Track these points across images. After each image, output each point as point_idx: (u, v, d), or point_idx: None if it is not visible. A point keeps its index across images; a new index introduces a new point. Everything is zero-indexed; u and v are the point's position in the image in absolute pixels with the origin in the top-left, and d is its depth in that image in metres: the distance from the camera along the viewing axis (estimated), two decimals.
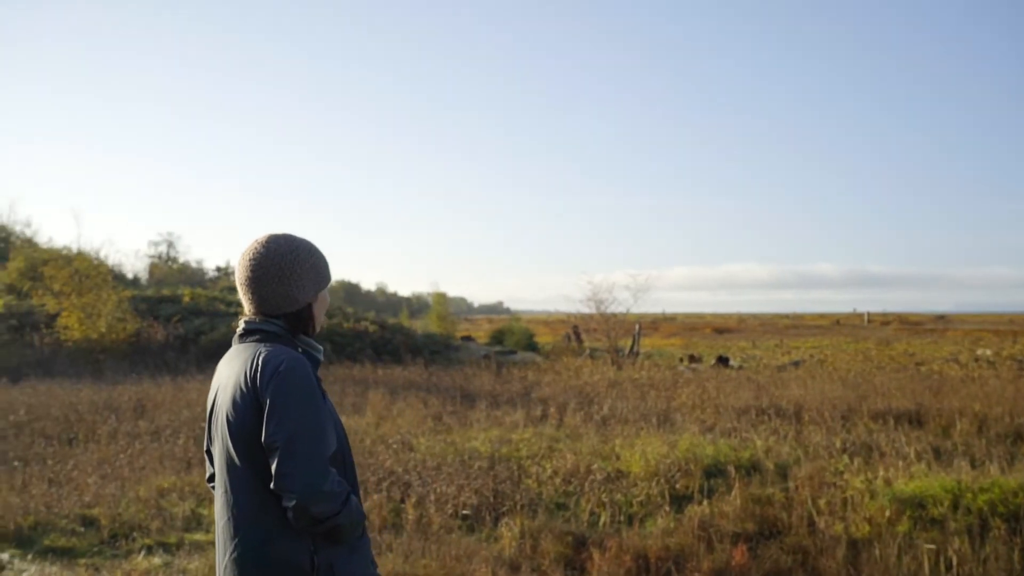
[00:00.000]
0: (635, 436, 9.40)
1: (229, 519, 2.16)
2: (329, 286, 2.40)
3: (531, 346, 28.78)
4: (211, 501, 6.98)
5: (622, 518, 6.44)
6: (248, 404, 2.12)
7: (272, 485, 2.07)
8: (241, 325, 2.31)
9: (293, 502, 2.05)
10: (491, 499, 6.83)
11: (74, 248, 29.65)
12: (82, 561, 5.63)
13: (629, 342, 25.58)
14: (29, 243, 37.75)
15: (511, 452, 8.71)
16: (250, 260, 2.27)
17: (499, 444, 9.11)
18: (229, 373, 2.21)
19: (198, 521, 6.54)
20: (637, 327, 26.82)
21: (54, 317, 20.53)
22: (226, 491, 2.18)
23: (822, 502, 6.38)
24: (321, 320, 2.40)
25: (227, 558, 2.14)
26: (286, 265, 2.27)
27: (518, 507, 6.57)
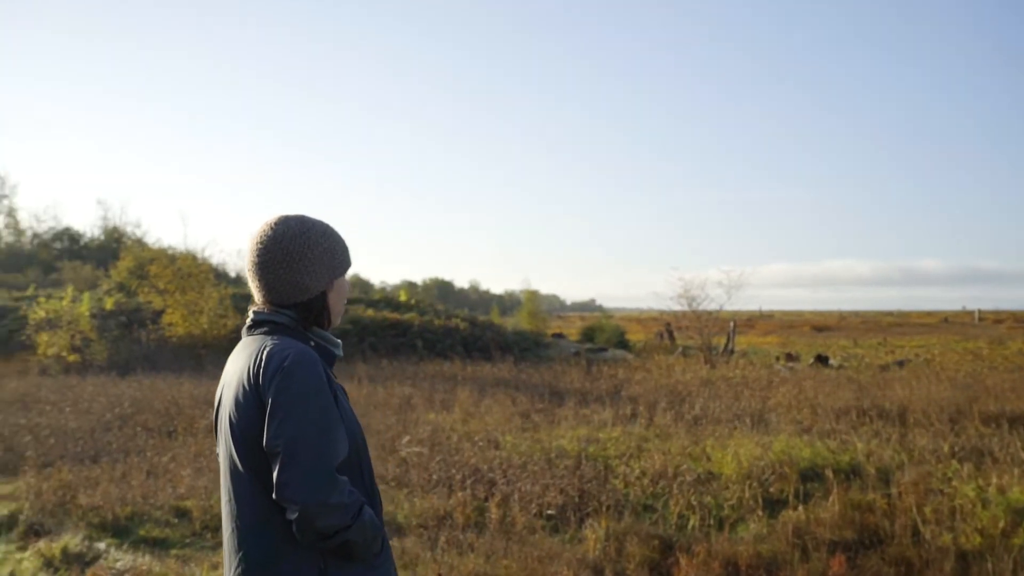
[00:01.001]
0: (727, 437, 9.10)
1: (233, 531, 1.96)
2: (350, 274, 2.19)
3: (622, 344, 28.43)
4: None
5: (712, 522, 6.21)
6: (250, 404, 1.91)
7: (274, 495, 1.85)
8: (250, 316, 2.10)
9: (296, 514, 1.84)
10: (576, 499, 6.69)
11: (180, 248, 30.81)
12: (173, 552, 5.74)
13: (723, 340, 25.00)
14: (139, 243, 39.49)
15: (598, 451, 8.54)
16: (257, 244, 2.07)
17: (586, 443, 8.95)
18: (234, 369, 2.01)
19: None
20: (731, 325, 26.21)
21: (159, 314, 21.31)
22: (230, 499, 1.98)
23: (928, 510, 6.01)
24: (339, 311, 2.18)
25: (232, 573, 1.97)
26: (295, 249, 2.05)
27: (604, 508, 6.41)
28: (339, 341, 2.20)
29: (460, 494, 6.76)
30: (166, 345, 20.34)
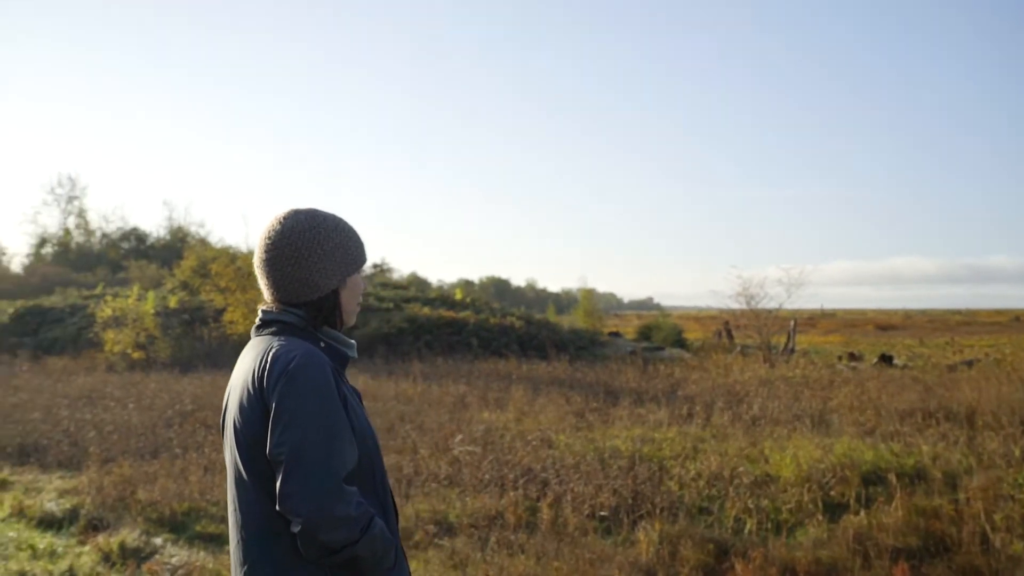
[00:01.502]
0: (786, 438, 8.89)
1: (239, 542, 1.89)
2: (365, 270, 2.09)
3: (679, 342, 28.11)
4: None
5: (769, 526, 6.05)
6: (255, 408, 1.82)
7: (277, 506, 1.76)
8: (259, 315, 2.02)
9: (299, 527, 1.74)
10: (630, 501, 6.58)
11: (242, 247, 31.36)
12: (227, 548, 5.78)
13: (783, 339, 24.54)
14: (202, 243, 40.30)
15: (653, 452, 8.41)
16: (265, 240, 1.98)
17: (641, 443, 8.83)
18: (240, 372, 1.94)
19: None
20: (792, 323, 25.71)
21: (221, 312, 21.70)
22: (235, 509, 1.90)
23: (998, 517, 5.76)
24: (352, 310, 2.07)
25: None
26: (304, 245, 1.95)
27: (657, 510, 6.29)
28: (352, 342, 2.10)
29: (512, 494, 6.71)
30: (227, 342, 20.71)
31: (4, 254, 50.58)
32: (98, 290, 29.43)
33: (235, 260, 23.01)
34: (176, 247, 44.65)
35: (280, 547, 1.81)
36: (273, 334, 1.95)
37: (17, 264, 49.36)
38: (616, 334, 28.94)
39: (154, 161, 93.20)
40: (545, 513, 6.20)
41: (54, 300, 27.49)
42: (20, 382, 15.32)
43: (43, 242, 52.12)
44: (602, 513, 6.32)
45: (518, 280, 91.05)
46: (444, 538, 5.81)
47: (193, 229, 52.31)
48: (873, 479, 7.05)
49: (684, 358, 21.90)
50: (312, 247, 1.96)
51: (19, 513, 6.58)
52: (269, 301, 2.01)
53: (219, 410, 10.54)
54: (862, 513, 6.10)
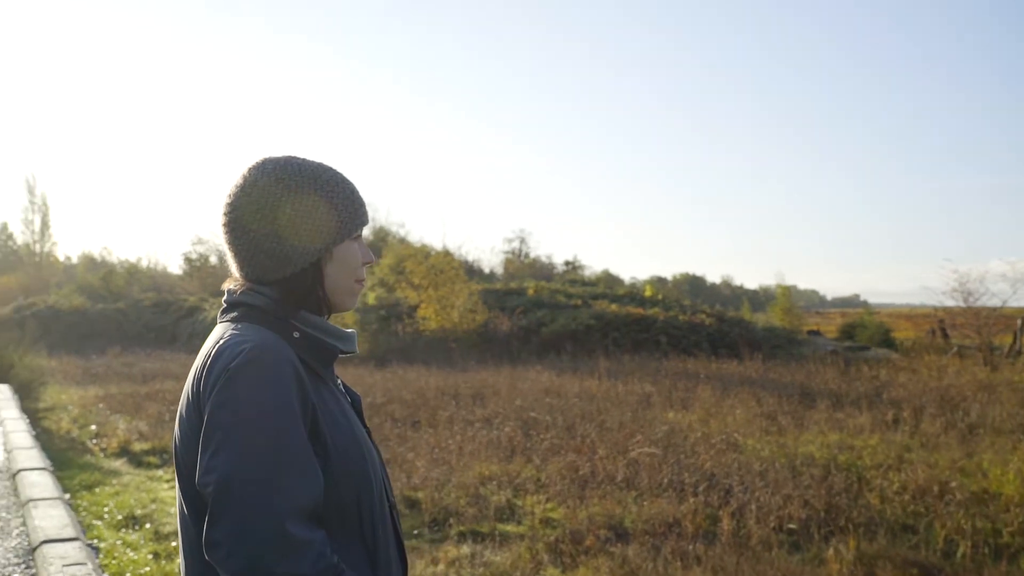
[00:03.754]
0: (1010, 450, 7.92)
1: None
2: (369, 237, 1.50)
3: (887, 342, 26.17)
4: (526, 492, 6.96)
5: (986, 550, 5.34)
6: (192, 422, 1.37)
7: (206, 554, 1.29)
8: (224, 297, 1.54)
9: None
10: (822, 514, 6.03)
11: (439, 246, 32.41)
12: None
13: (1009, 339, 22.27)
14: (401, 242, 42.02)
15: (851, 460, 7.73)
16: (225, 199, 1.50)
17: (838, 450, 8.15)
18: (190, 374, 1.47)
19: (511, 511, 6.51)
20: (1019, 322, 23.31)
21: (414, 308, 22.45)
22: (180, 552, 1.46)
23: None
24: (345, 289, 1.53)
25: None
26: (269, 204, 1.45)
27: (854, 526, 5.72)
28: (349, 332, 1.55)
29: (692, 500, 6.34)
30: (420, 338, 21.38)
31: (216, 253, 55.02)
32: None
33: (428, 258, 23.74)
34: (378, 247, 46.83)
35: None
36: (233, 320, 1.47)
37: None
38: (816, 332, 27.42)
39: (360, 165, 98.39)
40: (726, 523, 5.79)
41: None
42: None
43: None
44: (790, 526, 5.83)
45: (713, 277, 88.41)
46: (616, 544, 5.54)
47: (394, 229, 54.81)
48: None
49: (891, 359, 20.35)
50: (279, 206, 1.46)
51: None
52: (237, 279, 1.53)
53: (406, 404, 10.76)
54: None
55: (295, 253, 1.47)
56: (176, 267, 53.98)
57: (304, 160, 1.53)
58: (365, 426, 1.58)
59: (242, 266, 1.50)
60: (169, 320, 29.77)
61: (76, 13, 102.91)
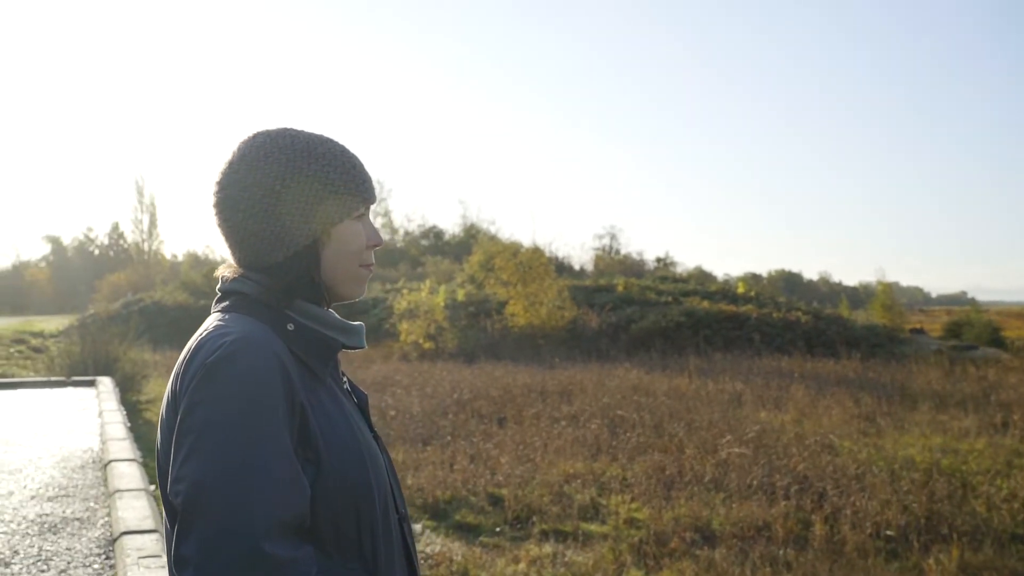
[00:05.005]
0: None
1: None
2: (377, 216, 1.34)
3: (995, 341, 24.95)
4: (611, 491, 6.86)
5: None
6: (170, 421, 1.23)
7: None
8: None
9: None
10: (922, 521, 5.75)
11: (529, 243, 32.48)
12: (482, 539, 5.79)
13: None
14: (491, 239, 42.31)
15: (955, 465, 7.37)
16: (215, 177, 1.36)
17: (940, 454, 7.79)
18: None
19: (596, 510, 6.42)
20: None
21: (503, 305, 22.50)
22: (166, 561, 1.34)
23: None
24: (348, 275, 1.38)
25: None
26: (257, 181, 1.30)
27: (957, 535, 5.43)
28: (355, 324, 1.42)
29: (783, 504, 6.14)
30: (508, 335, 21.41)
31: None
32: (399, 284, 31.80)
33: (517, 254, 23.77)
34: (468, 243, 47.25)
35: None
36: (224, 311, 1.33)
37: None
38: (919, 331, 26.34)
39: (452, 162, 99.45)
40: (819, 528, 5.57)
41: None
42: None
43: None
44: (887, 533, 5.57)
45: (810, 274, 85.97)
46: (702, 547, 5.40)
47: (484, 226, 55.30)
48: None
49: (1000, 359, 19.36)
50: (268, 183, 1.30)
51: None
52: (231, 265, 1.39)
53: (493, 400, 10.77)
54: None
55: (287, 235, 1.31)
56: None
57: (299, 132, 1.37)
58: (372, 429, 1.44)
59: (234, 251, 1.36)
60: None
61: (187, 15, 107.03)
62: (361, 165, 1.40)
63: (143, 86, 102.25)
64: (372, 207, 1.43)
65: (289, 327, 1.30)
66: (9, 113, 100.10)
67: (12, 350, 23.09)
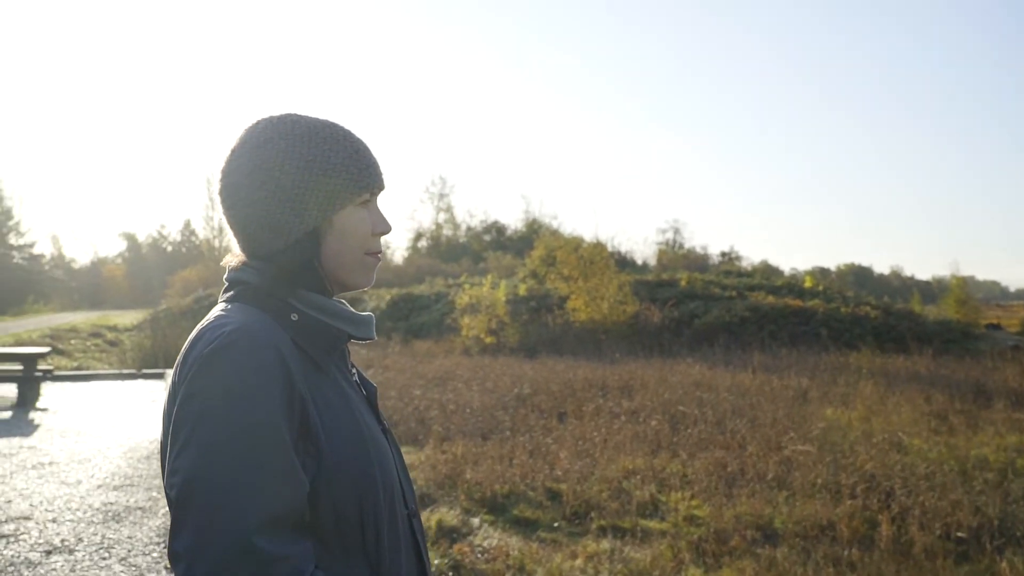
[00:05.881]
0: None
1: None
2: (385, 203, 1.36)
3: None
4: (671, 487, 6.78)
5: None
6: (171, 413, 1.21)
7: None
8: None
9: None
10: (995, 522, 5.55)
11: (591, 237, 32.33)
12: (539, 534, 5.77)
13: None
14: (553, 233, 42.27)
15: None
16: (220, 163, 1.35)
17: (1016, 454, 7.50)
18: None
19: (655, 507, 6.35)
20: None
21: (564, 299, 22.44)
22: None
23: None
24: (353, 263, 1.35)
25: None
26: (257, 167, 1.29)
27: None
28: (361, 314, 1.38)
29: (848, 503, 5.98)
30: (570, 330, 21.34)
31: (388, 248, 57.48)
32: (461, 279, 31.96)
33: (578, 249, 23.67)
34: (530, 238, 47.32)
35: None
36: (228, 301, 1.32)
37: (399, 256, 55.71)
38: (995, 326, 25.48)
39: (515, 157, 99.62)
40: (886, 528, 5.41)
41: (422, 288, 30.32)
42: (389, 362, 16.97)
43: (419, 236, 58.42)
44: (958, 534, 5.38)
45: (881, 267, 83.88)
46: (764, 546, 5.30)
47: (547, 220, 55.28)
48: None
49: None
50: (268, 169, 1.29)
51: None
52: (237, 254, 1.37)
53: (553, 395, 10.77)
54: None
55: (287, 222, 1.29)
56: None
57: (302, 116, 1.35)
58: (382, 423, 1.42)
59: (239, 239, 1.34)
60: None
61: (262, 13, 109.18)
62: (366, 150, 1.37)
63: (214, 85, 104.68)
64: (380, 194, 1.40)
65: (293, 317, 1.28)
66: (88, 114, 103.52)
67: (89, 343, 23.91)
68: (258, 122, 1.34)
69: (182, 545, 1.09)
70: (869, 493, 6.23)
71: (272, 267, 1.30)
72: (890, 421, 9.28)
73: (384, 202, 1.43)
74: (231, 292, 1.33)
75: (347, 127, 1.38)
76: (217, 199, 1.36)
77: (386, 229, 1.39)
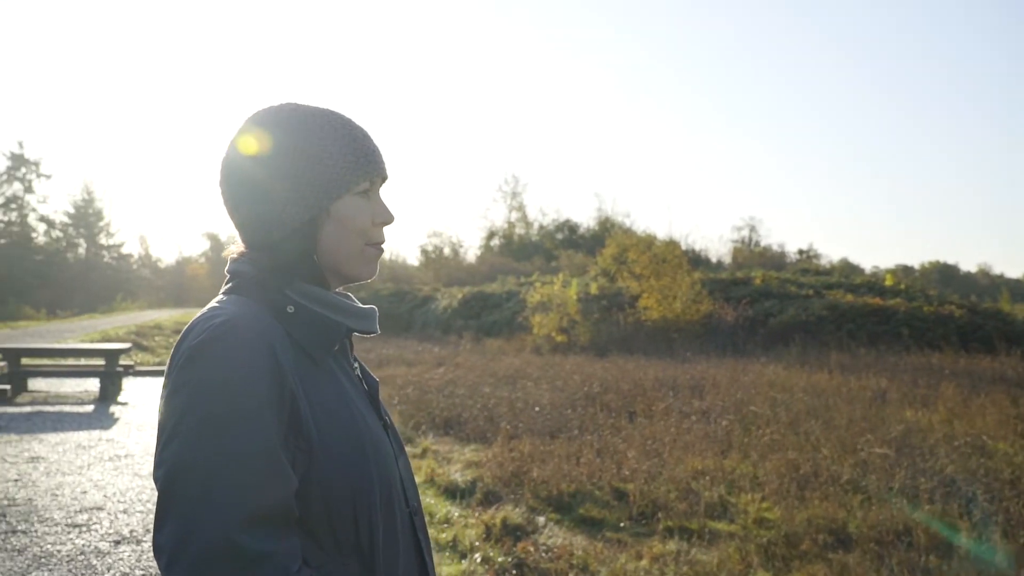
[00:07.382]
0: None
1: None
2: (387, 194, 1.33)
3: None
4: (741, 489, 6.66)
5: None
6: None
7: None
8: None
9: None
10: None
11: (664, 235, 32.04)
12: (605, 534, 5.73)
13: None
14: (625, 232, 42.00)
15: None
16: (223, 153, 1.32)
17: None
18: None
19: (724, 508, 6.24)
20: None
21: (636, 298, 22.26)
22: None
23: None
24: (351, 254, 1.32)
25: None
26: (253, 156, 1.27)
27: None
28: (363, 307, 1.36)
29: (927, 508, 5.78)
30: (641, 328, 21.17)
31: (461, 246, 58.02)
32: (533, 277, 32.01)
33: (650, 247, 23.47)
34: (602, 236, 47.12)
35: None
36: (226, 292, 1.29)
37: (471, 255, 56.14)
38: None
39: (588, 155, 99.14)
40: (966, 535, 5.22)
41: (494, 287, 30.50)
42: (460, 360, 17.11)
43: (491, 235, 58.74)
44: None
45: (968, 265, 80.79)
46: (836, 551, 5.16)
47: (619, 219, 54.98)
48: None
49: None
50: (264, 159, 1.26)
51: (430, 481, 7.18)
52: (238, 246, 1.35)
53: (623, 394, 10.68)
54: None
55: (284, 212, 1.26)
56: (413, 259, 57.50)
57: (301, 105, 1.32)
58: (383, 418, 1.37)
59: (238, 230, 1.32)
60: (405, 309, 31.53)
61: (330, 13, 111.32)
62: (366, 137, 1.33)
63: (282, 86, 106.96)
64: (383, 184, 1.38)
65: (289, 309, 1.25)
66: (174, 120, 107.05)
67: (172, 340, 24.75)
68: (257, 112, 1.32)
69: (164, 539, 1.07)
70: (949, 498, 6.02)
71: (267, 258, 1.28)
72: (973, 424, 8.94)
73: (388, 192, 1.41)
74: (230, 284, 1.30)
75: (347, 115, 1.35)
76: (218, 190, 1.34)
77: (388, 219, 1.35)
